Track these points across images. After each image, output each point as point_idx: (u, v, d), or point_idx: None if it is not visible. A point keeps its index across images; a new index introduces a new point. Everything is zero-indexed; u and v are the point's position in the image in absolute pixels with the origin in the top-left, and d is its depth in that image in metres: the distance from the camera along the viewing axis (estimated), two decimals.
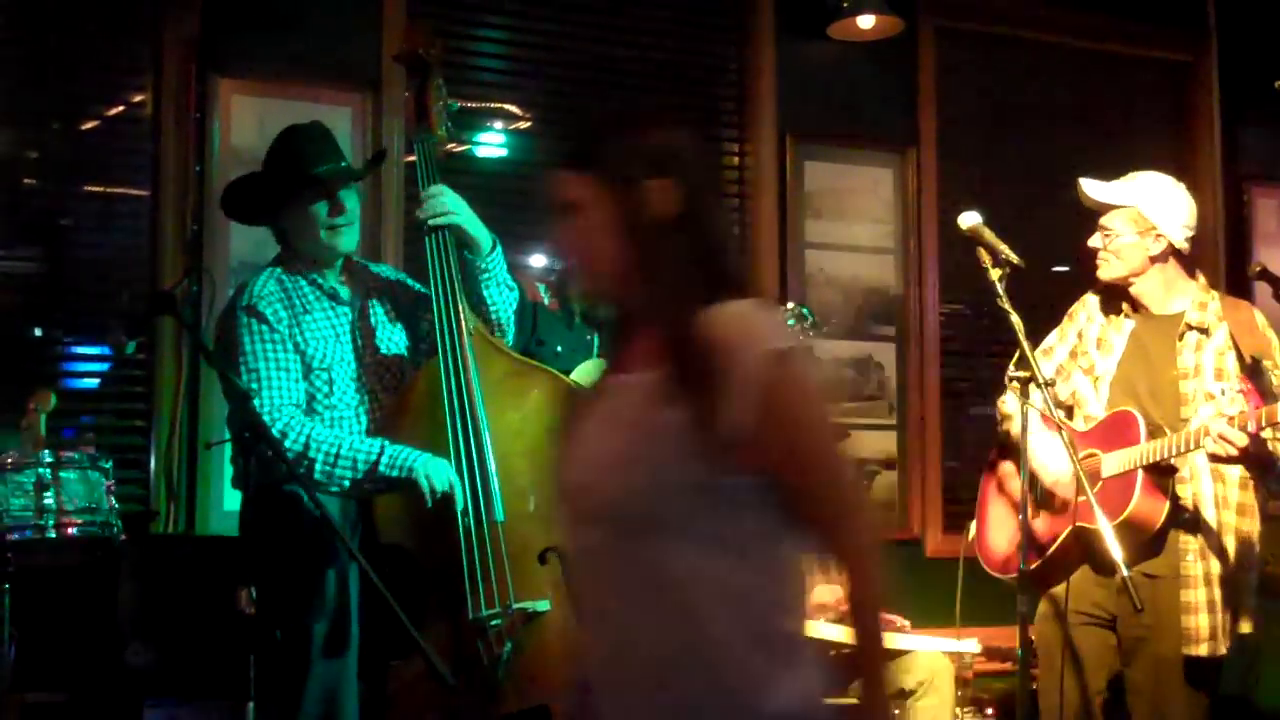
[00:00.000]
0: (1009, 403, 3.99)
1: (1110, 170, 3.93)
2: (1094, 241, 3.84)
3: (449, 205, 3.63)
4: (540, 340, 3.96)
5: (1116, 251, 3.79)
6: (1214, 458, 3.53)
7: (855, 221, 5.83)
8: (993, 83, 6.16)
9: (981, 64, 6.13)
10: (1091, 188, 3.83)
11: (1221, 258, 6.27)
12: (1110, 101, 6.37)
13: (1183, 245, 3.80)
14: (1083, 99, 6.30)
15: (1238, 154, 6.42)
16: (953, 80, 6.01)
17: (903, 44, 5.86)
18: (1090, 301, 3.95)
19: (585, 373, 4.08)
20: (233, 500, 4.50)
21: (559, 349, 3.78)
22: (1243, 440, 3.42)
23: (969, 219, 3.63)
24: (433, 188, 3.64)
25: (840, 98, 5.83)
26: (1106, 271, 3.82)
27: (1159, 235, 3.76)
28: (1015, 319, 3.57)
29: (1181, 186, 3.87)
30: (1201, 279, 3.89)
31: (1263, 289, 3.94)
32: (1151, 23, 6.33)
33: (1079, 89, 6.30)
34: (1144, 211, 3.76)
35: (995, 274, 3.58)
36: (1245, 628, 3.71)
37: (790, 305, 4.59)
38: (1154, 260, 3.78)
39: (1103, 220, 3.81)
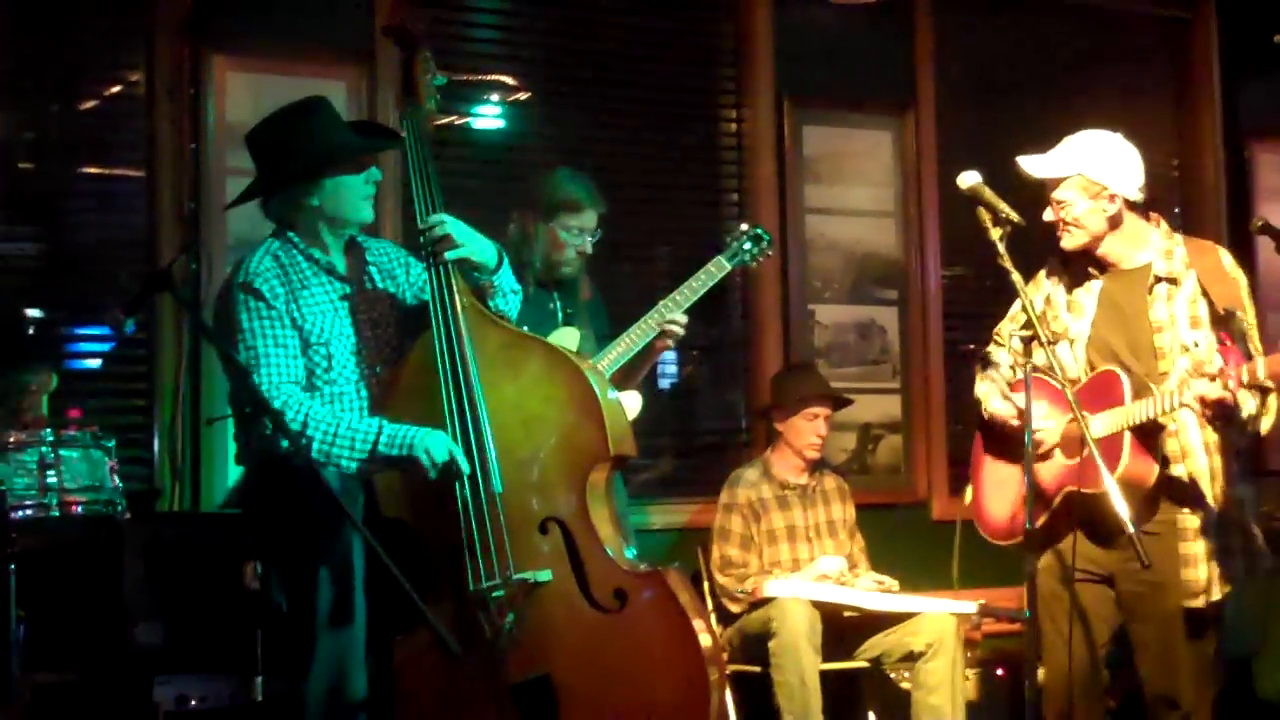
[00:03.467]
0: (994, 353, 3.98)
1: (1107, 128, 3.89)
2: (1048, 215, 3.80)
3: (455, 238, 3.60)
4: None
5: (1075, 221, 3.75)
6: (1202, 407, 3.52)
7: (855, 185, 5.81)
8: (991, 43, 6.14)
9: (979, 25, 6.11)
10: (1030, 164, 3.76)
11: (1223, 213, 6.25)
12: (1109, 59, 6.34)
13: (1137, 197, 3.77)
14: (1082, 58, 6.28)
15: (1238, 110, 6.38)
16: (950, 42, 5.98)
17: (900, 6, 5.84)
18: (1054, 265, 3.93)
19: (561, 340, 4.08)
20: (236, 477, 4.52)
21: (525, 326, 3.77)
22: (1217, 393, 3.41)
23: (969, 178, 3.61)
24: (433, 218, 3.61)
25: (838, 61, 5.81)
26: (1069, 242, 3.79)
27: (1112, 195, 3.72)
28: (1016, 277, 3.55)
29: (1118, 137, 3.80)
30: (1163, 224, 3.84)
31: (1265, 244, 3.91)
32: None
33: (1077, 48, 6.28)
34: (1091, 175, 3.71)
35: (996, 233, 3.56)
36: (1240, 569, 3.71)
37: (744, 227, 4.56)
38: (1112, 220, 3.75)
39: (1053, 194, 3.77)
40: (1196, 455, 3.68)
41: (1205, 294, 3.69)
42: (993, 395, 3.93)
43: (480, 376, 3.53)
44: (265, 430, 3.38)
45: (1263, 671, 5.04)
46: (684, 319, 4.34)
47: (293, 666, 3.49)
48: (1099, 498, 3.48)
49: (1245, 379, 3.40)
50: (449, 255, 3.58)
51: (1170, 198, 6.30)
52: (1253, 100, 6.41)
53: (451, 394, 3.49)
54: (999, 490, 3.96)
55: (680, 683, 3.47)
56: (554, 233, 4.30)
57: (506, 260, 3.75)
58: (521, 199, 4.44)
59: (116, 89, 4.94)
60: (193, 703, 3.90)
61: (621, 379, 4.28)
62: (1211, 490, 3.67)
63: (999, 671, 4.99)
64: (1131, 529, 3.34)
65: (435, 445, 3.41)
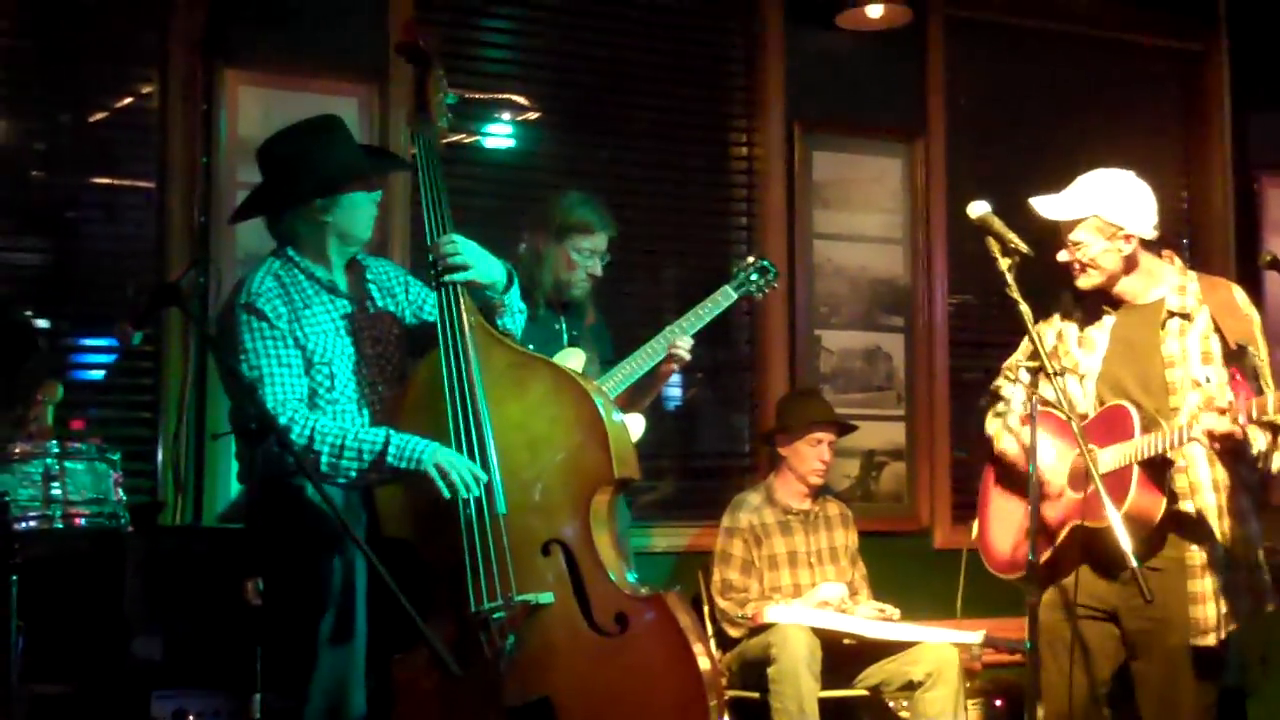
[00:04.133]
0: (1004, 388, 3.98)
1: (1116, 160, 3.88)
2: (1063, 256, 3.79)
3: (465, 258, 3.61)
4: None
5: (1091, 262, 3.74)
6: (1211, 441, 3.51)
7: (863, 211, 5.82)
8: (1001, 72, 6.14)
9: (990, 53, 6.12)
10: (1045, 206, 3.75)
11: (1232, 246, 6.25)
12: (1120, 90, 6.35)
13: (1152, 236, 3.76)
14: (1092, 88, 6.28)
15: (1248, 142, 6.39)
16: (961, 70, 6.00)
17: (911, 33, 5.84)
18: (1068, 300, 3.92)
19: (566, 361, 4.08)
20: (235, 492, 4.52)
21: (530, 346, 3.78)
22: (1226, 428, 3.40)
23: (978, 208, 3.60)
24: (444, 238, 3.62)
25: (848, 88, 5.82)
26: (1086, 282, 3.78)
27: (1128, 235, 3.71)
28: (1024, 308, 3.54)
29: (1131, 176, 3.78)
30: (1177, 260, 3.84)
31: (1273, 278, 3.91)
32: (1162, 11, 6.31)
33: (1088, 78, 6.28)
34: (1106, 216, 3.70)
35: (1004, 263, 3.55)
36: (1246, 606, 3.69)
37: (750, 259, 4.59)
38: (1128, 260, 3.75)
39: (1068, 235, 3.76)
40: (1205, 491, 3.66)
41: (1218, 329, 3.68)
42: (1003, 433, 3.92)
43: (486, 396, 3.53)
44: (270, 448, 3.38)
45: (1255, 707, 5.02)
46: (690, 343, 4.36)
47: (292, 683, 3.49)
48: (1104, 532, 3.47)
49: (1255, 414, 3.40)
50: (458, 278, 3.58)
51: (1179, 229, 6.30)
52: (1262, 133, 6.41)
53: (458, 413, 3.49)
54: (1004, 523, 3.95)
55: (680, 708, 3.45)
56: (565, 254, 4.32)
57: (516, 279, 3.75)
58: (531, 219, 4.46)
59: (129, 101, 4.96)
60: (190, 717, 3.90)
61: (627, 402, 4.30)
62: (1219, 526, 3.66)
63: (998, 703, 4.97)
64: (1135, 563, 3.33)
65: (446, 460, 3.41)
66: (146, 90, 4.90)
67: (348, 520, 3.29)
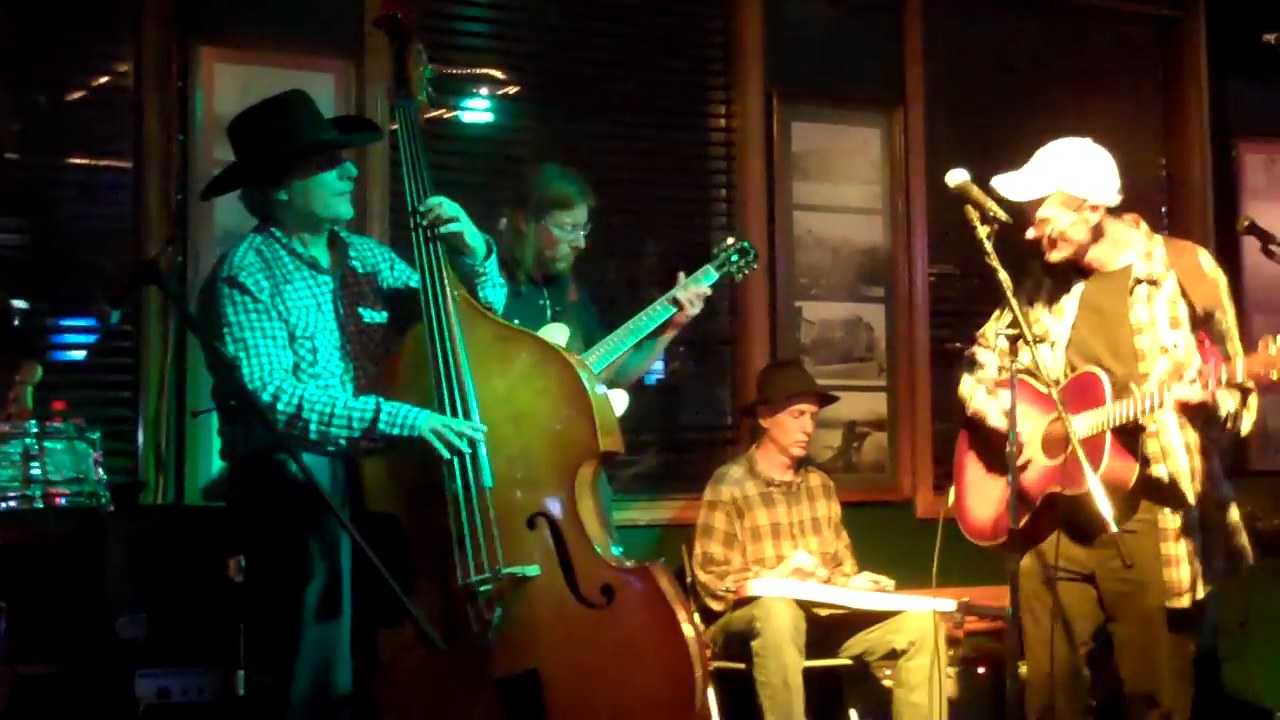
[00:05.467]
0: (979, 354, 4.00)
1: (1095, 128, 3.89)
2: (1031, 234, 3.80)
3: (451, 213, 3.62)
4: None
5: (1060, 236, 3.76)
6: (1186, 415, 3.53)
7: (843, 182, 5.82)
8: (980, 41, 6.14)
9: (968, 22, 6.11)
10: (1008, 187, 3.75)
11: (1210, 213, 6.26)
12: (1098, 58, 6.35)
13: (1115, 201, 3.77)
14: (1070, 56, 6.29)
15: (1226, 109, 6.40)
16: (939, 39, 5.99)
17: (889, 4, 5.84)
18: (1036, 268, 3.93)
19: (550, 336, 4.08)
20: (216, 470, 4.51)
21: (516, 321, 3.78)
22: (1199, 396, 3.42)
23: (956, 176, 3.61)
24: (432, 199, 3.61)
25: (827, 58, 5.82)
26: (1057, 255, 3.79)
27: (1094, 205, 3.73)
28: (1003, 276, 3.55)
29: (1089, 143, 3.79)
30: (1142, 225, 3.85)
31: (1251, 244, 3.92)
32: None
33: (1066, 46, 6.29)
34: (1069, 190, 3.72)
35: (983, 231, 3.56)
36: (1221, 568, 3.72)
37: (730, 241, 4.60)
38: (1095, 229, 3.76)
39: (1035, 213, 3.76)
40: (1177, 455, 3.68)
41: (1185, 294, 3.70)
42: (976, 393, 3.94)
43: (471, 370, 3.53)
44: (252, 424, 3.37)
45: (1231, 670, 5.06)
46: (697, 294, 4.38)
47: (277, 660, 3.49)
48: (1081, 498, 3.49)
49: (1224, 379, 3.42)
50: (446, 229, 3.58)
51: (1158, 197, 6.32)
52: (1241, 100, 6.43)
53: (443, 387, 3.49)
54: (981, 491, 3.97)
55: (666, 679, 3.47)
56: (547, 230, 4.31)
57: (495, 251, 3.74)
58: (510, 194, 4.44)
59: (104, 79, 4.92)
60: (174, 696, 3.89)
61: (626, 361, 4.37)
62: (1192, 489, 3.68)
63: (980, 669, 5.00)
64: (1115, 528, 3.35)
65: (442, 425, 3.41)
66: (122, 69, 4.87)
67: (332, 496, 3.29)
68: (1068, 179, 3.72)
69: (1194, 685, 3.77)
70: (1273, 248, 3.81)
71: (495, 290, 3.79)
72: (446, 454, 3.41)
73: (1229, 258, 3.91)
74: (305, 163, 3.57)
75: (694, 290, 4.40)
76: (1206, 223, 6.21)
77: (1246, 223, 3.87)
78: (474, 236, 3.67)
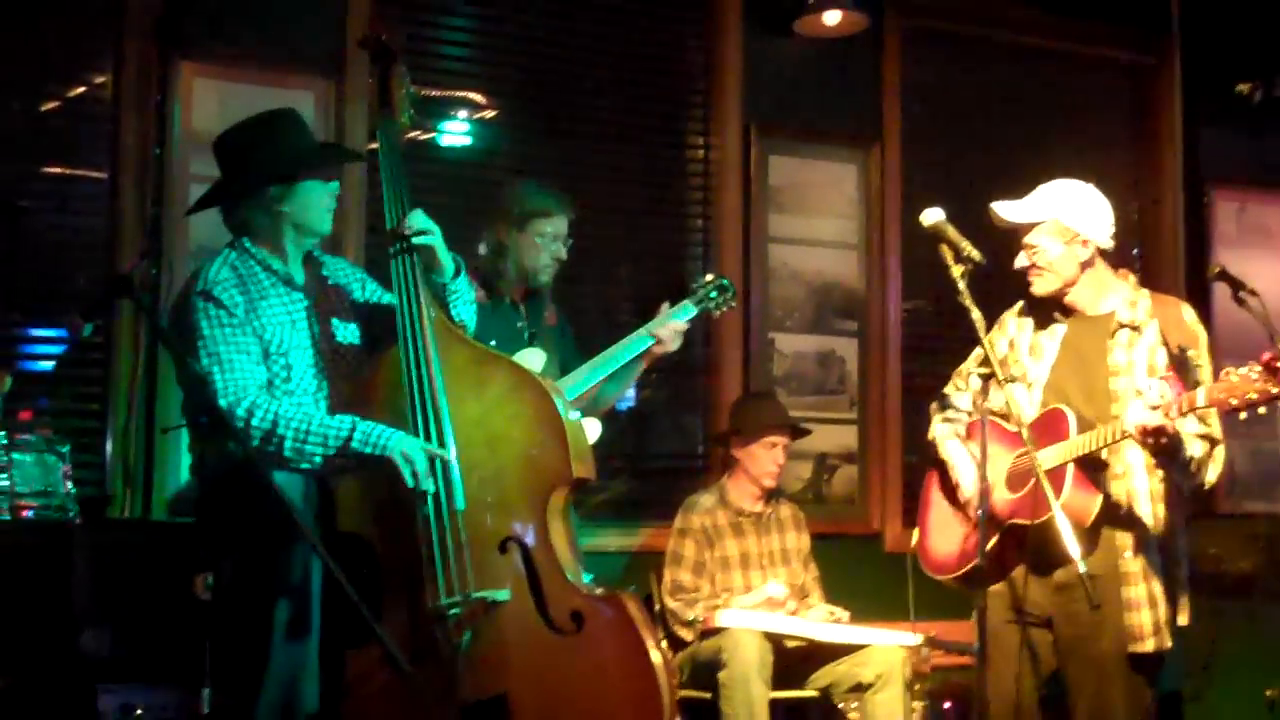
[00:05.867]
0: (952, 397, 4.02)
1: (1069, 171, 3.92)
2: (1020, 261, 3.82)
3: (425, 225, 3.64)
4: (475, 338, 3.94)
5: (1047, 266, 3.78)
6: (1144, 438, 3.54)
7: (819, 216, 5.85)
8: (957, 81, 6.20)
9: (945, 62, 6.17)
10: (1005, 210, 3.78)
11: (1181, 259, 6.32)
12: (1074, 101, 6.42)
13: (1108, 245, 3.81)
14: (1046, 99, 6.35)
15: (1198, 155, 6.47)
16: (917, 78, 6.04)
17: (868, 41, 5.88)
18: (1021, 309, 3.96)
19: (526, 361, 4.08)
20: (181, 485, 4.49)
21: (493, 342, 3.78)
22: (1159, 421, 3.43)
23: (932, 215, 3.63)
24: (411, 215, 3.64)
25: (805, 93, 5.85)
26: (1041, 287, 3.82)
27: (1085, 241, 3.76)
28: (976, 315, 3.57)
29: (1091, 187, 3.83)
30: (1131, 277, 3.89)
31: (1222, 290, 3.96)
32: (1115, 24, 6.39)
33: (1043, 89, 6.35)
34: (1065, 221, 3.74)
35: (957, 270, 3.58)
36: (1183, 619, 3.73)
37: (709, 277, 4.61)
38: (1084, 266, 3.79)
39: (1026, 239, 3.79)
40: (1142, 500, 3.69)
41: (1165, 344, 3.73)
42: (947, 442, 3.96)
43: (446, 392, 3.52)
44: (223, 441, 3.35)
45: (1194, 708, 5.08)
46: (674, 330, 4.39)
47: (244, 678, 3.46)
48: (1042, 532, 3.50)
49: (1185, 407, 3.43)
50: (420, 240, 3.60)
51: (1130, 241, 6.38)
52: (1213, 147, 6.49)
53: (417, 409, 3.49)
54: (943, 528, 3.98)
55: (634, 706, 3.46)
56: (528, 240, 4.33)
57: (464, 270, 3.76)
58: (489, 212, 4.45)
59: (82, 90, 4.91)
60: (138, 712, 3.87)
61: (609, 382, 4.39)
62: (1157, 536, 3.69)
63: (946, 705, 5.00)
64: (1082, 567, 3.35)
65: (413, 449, 3.41)
66: (100, 80, 4.86)
67: (304, 515, 3.27)
68: (1065, 211, 3.75)
69: None
70: (1243, 295, 3.84)
71: (466, 307, 3.80)
72: (410, 481, 3.40)
73: (1199, 304, 3.94)
74: (309, 171, 3.59)
75: (672, 326, 4.41)
76: (1178, 268, 6.27)
77: (1217, 269, 3.91)
78: (444, 254, 3.69)
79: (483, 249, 4.39)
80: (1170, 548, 3.72)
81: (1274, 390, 3.31)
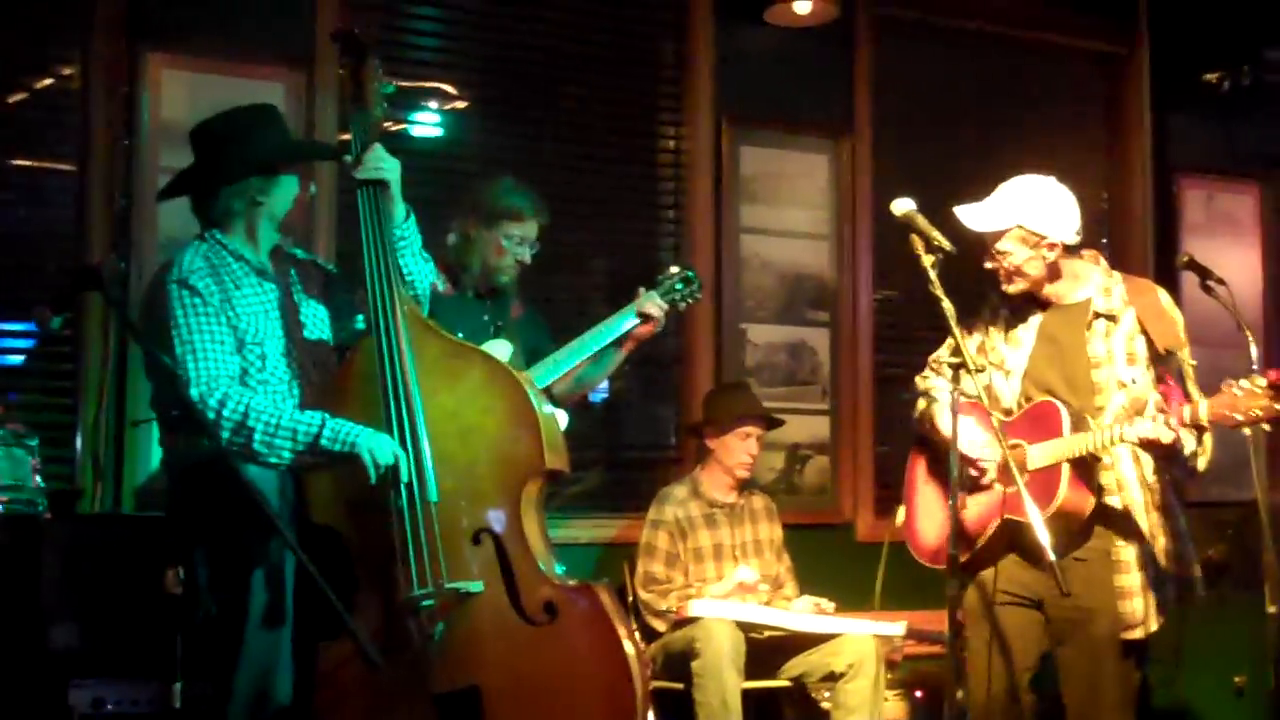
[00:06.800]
0: (931, 379, 4.03)
1: (1039, 160, 3.95)
2: (989, 265, 3.84)
3: (383, 162, 3.67)
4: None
5: (1016, 270, 3.80)
6: (1143, 444, 3.58)
7: (790, 207, 5.86)
8: (928, 72, 6.20)
9: (917, 53, 6.18)
10: (969, 217, 3.79)
11: (1150, 247, 6.36)
12: (1043, 91, 6.44)
13: (1074, 240, 3.82)
14: (1016, 88, 6.37)
15: (1167, 145, 6.50)
16: (889, 68, 6.05)
17: (840, 31, 5.89)
18: (995, 299, 3.98)
19: (494, 352, 4.08)
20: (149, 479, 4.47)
21: (460, 334, 3.78)
22: (1168, 437, 3.48)
23: (902, 205, 3.64)
24: (372, 147, 3.67)
25: (777, 83, 5.86)
26: (1012, 289, 3.84)
27: (1051, 244, 3.78)
28: (947, 305, 3.58)
29: (1053, 182, 3.84)
30: (1102, 262, 3.91)
31: (1190, 278, 3.99)
32: (1084, 14, 6.41)
33: (1013, 78, 6.38)
34: (1029, 226, 3.76)
35: (928, 260, 3.58)
36: (1171, 598, 3.77)
37: (675, 269, 4.60)
38: (1051, 266, 3.81)
39: (994, 245, 3.80)
40: (1131, 488, 3.73)
41: (1144, 331, 3.75)
42: (942, 413, 3.94)
43: (419, 385, 3.52)
44: (195, 436, 3.34)
45: (1162, 694, 5.12)
46: (660, 307, 4.39)
47: (216, 670, 3.46)
48: (1029, 525, 3.52)
49: (1188, 419, 3.47)
50: (371, 174, 3.65)
51: (1099, 230, 6.41)
52: (1182, 136, 6.53)
53: (390, 400, 3.48)
54: (932, 513, 4.00)
55: (607, 697, 3.47)
56: (496, 240, 4.31)
57: (413, 219, 3.76)
58: (459, 207, 4.44)
59: (49, 81, 4.87)
60: (109, 706, 3.84)
61: (590, 361, 4.40)
62: (1146, 521, 3.73)
63: (918, 693, 5.03)
64: (1053, 557, 3.37)
65: (380, 447, 3.40)
66: (67, 71, 4.82)
67: (277, 507, 3.26)
68: (1028, 215, 3.76)
69: (1135, 716, 3.81)
70: (1211, 283, 3.88)
71: (417, 261, 3.78)
72: (374, 478, 3.40)
73: (1168, 293, 3.96)
74: (291, 165, 3.63)
75: (658, 303, 4.41)
76: (1146, 257, 6.30)
77: (1186, 258, 3.94)
78: (398, 194, 3.70)
79: (451, 239, 4.38)
80: (1164, 529, 3.74)
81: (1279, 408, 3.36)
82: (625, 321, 4.38)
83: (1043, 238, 3.76)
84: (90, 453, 4.59)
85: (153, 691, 3.87)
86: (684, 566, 4.93)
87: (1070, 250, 3.82)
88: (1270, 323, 6.57)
